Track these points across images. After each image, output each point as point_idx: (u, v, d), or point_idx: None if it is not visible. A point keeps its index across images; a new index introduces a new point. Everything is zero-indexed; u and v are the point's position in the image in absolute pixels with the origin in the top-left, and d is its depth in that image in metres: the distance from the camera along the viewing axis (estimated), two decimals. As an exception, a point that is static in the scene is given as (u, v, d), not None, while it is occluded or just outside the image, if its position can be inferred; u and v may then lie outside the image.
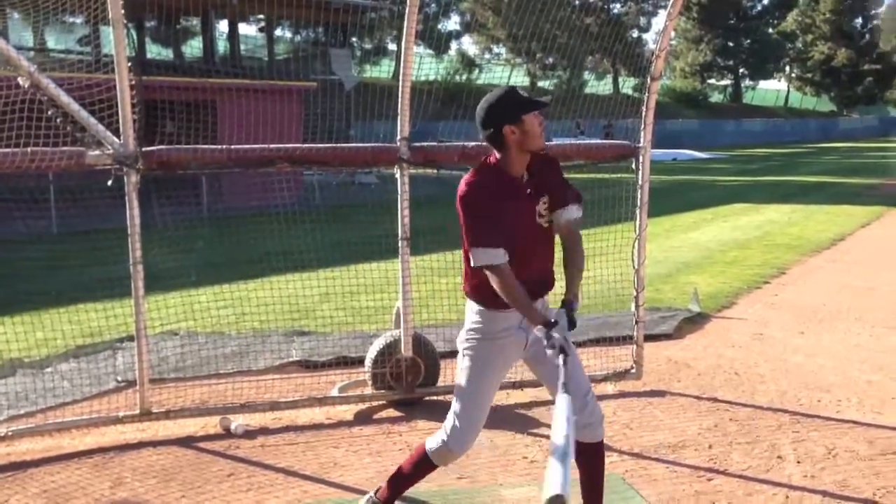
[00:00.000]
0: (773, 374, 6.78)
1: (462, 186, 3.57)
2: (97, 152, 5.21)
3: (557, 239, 3.78)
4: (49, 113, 5.07)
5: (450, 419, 3.79)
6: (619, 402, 6.13)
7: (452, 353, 6.76)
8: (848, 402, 6.09)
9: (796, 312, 9.00)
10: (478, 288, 3.68)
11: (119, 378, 6.44)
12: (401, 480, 4.03)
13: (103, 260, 7.55)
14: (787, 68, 79.72)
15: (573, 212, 3.70)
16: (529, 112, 3.53)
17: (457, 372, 3.84)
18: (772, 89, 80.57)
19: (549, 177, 3.68)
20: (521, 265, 3.56)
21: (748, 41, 72.17)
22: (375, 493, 4.08)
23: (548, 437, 5.39)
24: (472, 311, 3.77)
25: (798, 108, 78.92)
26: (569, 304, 3.61)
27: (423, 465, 3.93)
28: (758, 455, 5.10)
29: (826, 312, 9.00)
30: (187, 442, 5.39)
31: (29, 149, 5.07)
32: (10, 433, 5.24)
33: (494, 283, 3.54)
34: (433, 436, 3.88)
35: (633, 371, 6.43)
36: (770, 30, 75.23)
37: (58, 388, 6.17)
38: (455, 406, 3.78)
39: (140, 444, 5.33)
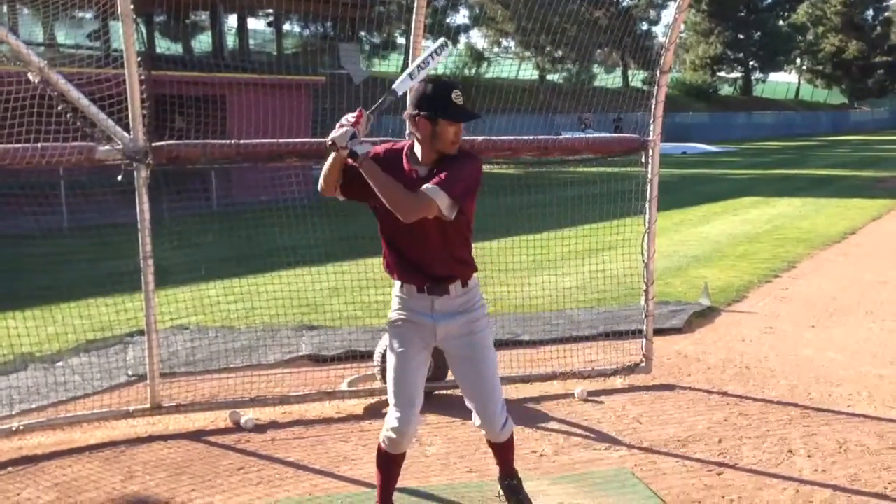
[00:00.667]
0: (783, 368, 6.76)
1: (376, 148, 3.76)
2: (107, 147, 5.22)
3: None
4: (59, 108, 5.09)
5: (389, 409, 3.85)
6: (629, 396, 6.12)
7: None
8: (859, 396, 6.07)
9: (807, 306, 8.97)
10: (389, 266, 3.85)
11: (130, 372, 6.47)
12: (379, 483, 4.02)
13: (113, 255, 7.58)
14: (798, 61, 79.40)
15: (423, 187, 3.58)
16: (447, 119, 3.57)
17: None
18: (782, 82, 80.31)
19: (442, 169, 3.63)
20: (399, 249, 3.75)
21: (758, 33, 71.85)
22: None
23: (556, 431, 5.41)
24: (393, 295, 3.91)
25: (809, 100, 78.61)
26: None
27: (380, 459, 3.95)
28: (768, 449, 5.09)
29: (837, 306, 8.96)
30: (197, 436, 5.41)
31: (39, 144, 5.09)
32: (21, 427, 5.27)
33: None
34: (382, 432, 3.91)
35: (643, 365, 6.42)
36: (781, 22, 74.89)
37: (69, 383, 6.19)
38: (389, 395, 3.86)
39: (151, 438, 5.35)
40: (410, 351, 3.81)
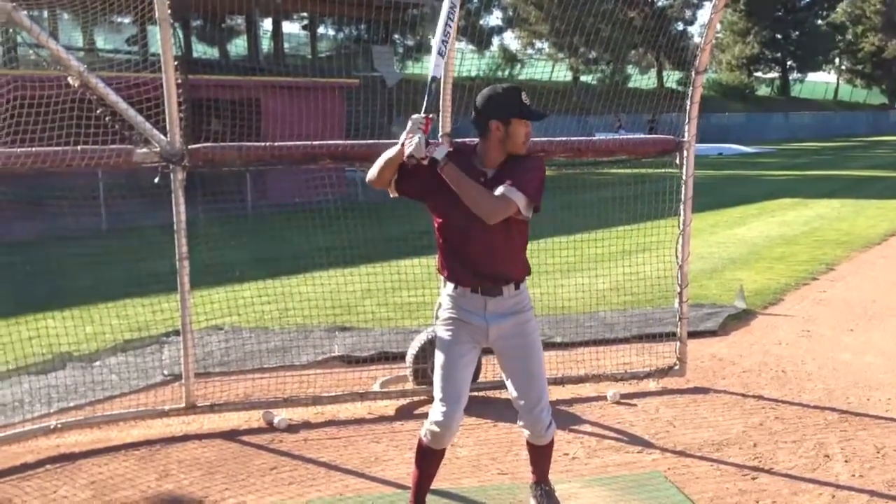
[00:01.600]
0: (820, 372, 6.67)
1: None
2: (145, 150, 5.29)
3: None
4: (98, 112, 5.16)
5: (433, 404, 3.86)
6: (662, 398, 6.08)
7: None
8: (898, 401, 5.96)
9: (845, 309, 8.83)
10: (443, 266, 3.86)
11: (165, 372, 6.56)
12: (415, 480, 4.02)
13: (150, 256, 7.69)
14: (837, 60, 78.17)
15: (499, 189, 3.63)
16: (520, 119, 3.66)
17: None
18: (821, 82, 79.16)
19: (511, 171, 3.68)
20: (457, 249, 3.77)
21: (796, 33, 70.93)
22: None
23: (589, 433, 5.39)
24: (444, 294, 3.91)
25: (848, 100, 77.40)
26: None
27: (420, 454, 3.96)
28: (804, 454, 5.02)
29: (876, 309, 8.82)
30: (231, 435, 5.46)
31: (79, 147, 5.17)
32: (59, 425, 5.36)
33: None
34: (424, 427, 3.92)
35: (677, 368, 6.36)
36: (819, 21, 73.83)
37: (106, 382, 6.29)
38: (434, 390, 3.87)
39: (185, 437, 5.41)
40: (461, 348, 3.83)
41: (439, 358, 3.85)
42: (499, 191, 3.60)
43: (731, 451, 5.09)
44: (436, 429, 3.81)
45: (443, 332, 3.86)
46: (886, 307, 8.90)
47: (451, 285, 3.85)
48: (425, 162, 3.58)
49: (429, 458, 3.95)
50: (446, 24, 3.92)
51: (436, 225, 3.82)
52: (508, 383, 3.97)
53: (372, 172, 3.77)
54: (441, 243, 3.84)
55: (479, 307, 3.79)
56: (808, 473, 4.75)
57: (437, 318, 3.97)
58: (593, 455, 5.06)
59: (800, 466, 4.84)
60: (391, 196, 3.86)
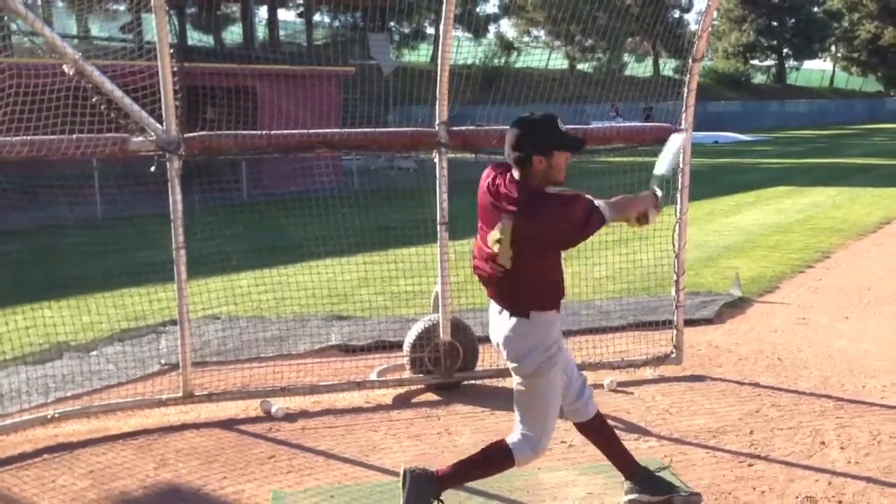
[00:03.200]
0: (816, 360, 6.69)
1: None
2: (140, 138, 5.28)
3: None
4: (93, 100, 5.14)
5: (543, 433, 3.83)
6: (659, 386, 6.09)
7: (490, 339, 6.81)
8: (893, 388, 5.98)
9: (841, 297, 8.85)
10: (544, 293, 3.74)
11: (162, 361, 6.56)
12: (472, 468, 4.01)
13: (146, 245, 7.67)
14: (833, 48, 78.11)
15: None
16: (562, 150, 3.61)
17: (528, 387, 3.79)
18: (817, 69, 79.13)
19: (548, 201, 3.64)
20: (559, 281, 3.79)
21: (792, 20, 70.86)
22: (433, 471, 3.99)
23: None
24: (537, 326, 3.72)
25: (844, 88, 77.39)
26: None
27: (501, 459, 3.92)
28: (800, 441, 5.04)
29: (872, 297, 8.84)
30: (229, 424, 5.47)
31: (74, 135, 5.16)
32: (57, 415, 5.36)
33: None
34: (516, 439, 3.86)
35: (674, 356, 6.38)
36: (815, 8, 73.74)
37: (103, 371, 6.30)
38: (544, 422, 3.82)
39: (183, 426, 5.42)
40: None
41: (552, 389, 3.80)
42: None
43: (727, 438, 5.11)
44: (538, 456, 3.89)
45: (556, 366, 3.77)
46: (881, 295, 8.93)
47: (550, 314, 3.74)
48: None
49: (505, 465, 3.94)
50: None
51: (546, 266, 3.72)
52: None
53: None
54: (553, 276, 3.75)
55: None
56: (805, 460, 4.77)
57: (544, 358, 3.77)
58: (590, 443, 5.06)
59: (796, 453, 4.86)
60: None
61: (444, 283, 5.91)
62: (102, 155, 5.35)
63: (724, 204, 17.08)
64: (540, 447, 3.85)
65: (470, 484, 4.48)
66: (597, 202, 3.61)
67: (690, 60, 6.04)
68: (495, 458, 3.92)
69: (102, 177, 13.02)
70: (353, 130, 6.09)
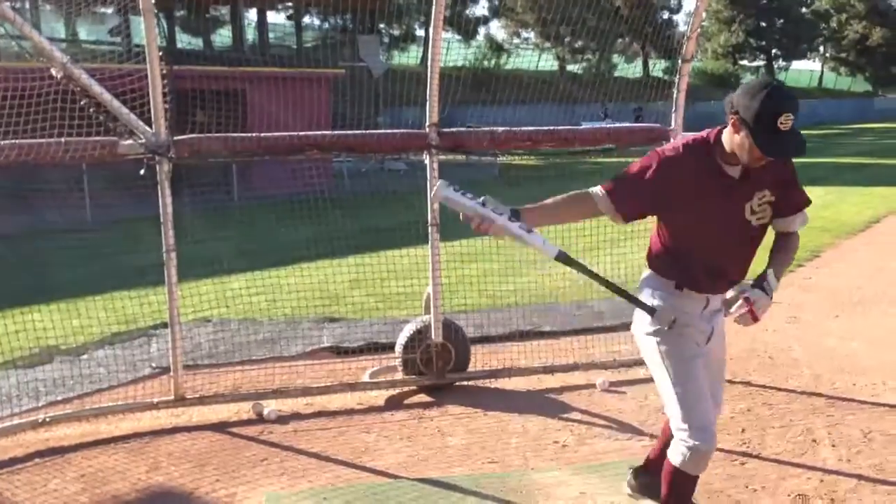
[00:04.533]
0: (807, 358, 6.71)
1: (667, 147, 3.39)
2: (130, 142, 5.26)
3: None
4: (82, 103, 5.12)
5: (681, 422, 3.40)
6: (651, 386, 6.02)
7: (482, 339, 6.83)
8: (884, 386, 6.01)
9: (831, 296, 8.89)
10: (658, 257, 3.48)
11: (154, 364, 6.54)
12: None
13: (137, 248, 7.64)
14: (822, 48, 78.43)
15: (796, 223, 3.53)
16: (755, 140, 3.09)
17: (654, 369, 3.54)
18: (805, 70, 79.35)
19: (774, 171, 3.29)
20: (707, 263, 3.36)
21: (781, 21, 71.08)
22: None
23: (578, 421, 5.41)
24: (654, 295, 3.51)
25: (832, 88, 77.68)
26: (762, 276, 3.42)
27: (682, 481, 3.50)
28: (792, 439, 5.06)
29: (861, 296, 8.88)
30: (221, 427, 5.45)
31: (63, 139, 5.13)
32: (48, 419, 5.34)
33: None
34: (673, 451, 3.46)
35: (665, 355, 6.38)
36: (803, 9, 74.03)
37: (94, 375, 6.27)
38: (678, 407, 3.41)
39: (175, 430, 5.40)
40: (695, 361, 3.46)
41: (679, 376, 3.41)
42: (797, 224, 3.63)
43: (719, 436, 5.09)
44: (701, 450, 3.39)
45: (672, 343, 3.43)
46: (871, 294, 8.97)
47: (671, 286, 3.44)
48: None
49: (689, 483, 3.52)
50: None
51: (668, 230, 3.41)
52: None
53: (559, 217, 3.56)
54: (671, 246, 3.42)
55: (699, 305, 3.46)
56: (796, 458, 4.79)
57: (649, 332, 3.52)
58: (583, 442, 5.09)
59: (788, 451, 4.88)
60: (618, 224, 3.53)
61: (435, 284, 5.91)
62: (92, 158, 5.33)
63: (714, 204, 17.09)
64: (695, 436, 3.41)
65: (463, 484, 4.49)
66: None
67: (680, 61, 6.06)
68: (675, 482, 3.53)
69: (92, 180, 12.98)
70: (344, 132, 6.09)
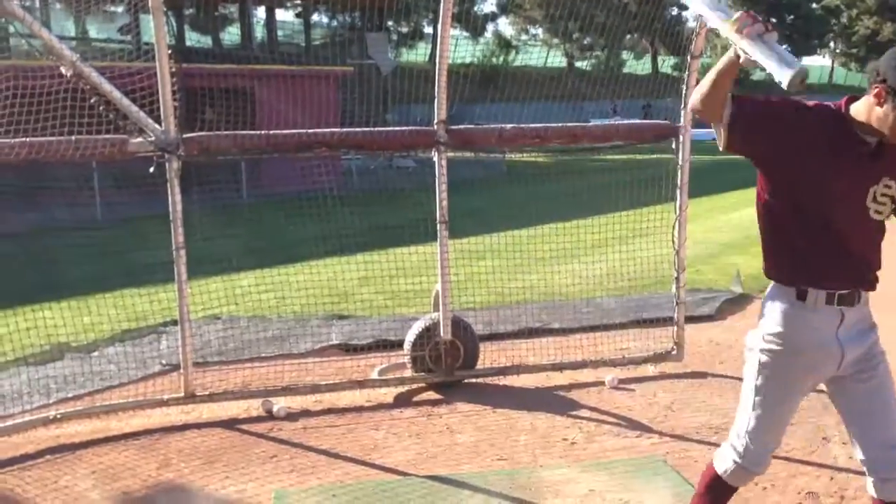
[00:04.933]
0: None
1: (799, 99, 2.96)
2: (139, 139, 5.27)
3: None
4: (92, 101, 5.14)
5: (741, 437, 3.10)
6: (660, 383, 6.09)
7: (491, 336, 6.83)
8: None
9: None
10: (773, 255, 2.95)
11: (164, 361, 6.56)
12: None
13: (146, 245, 7.67)
14: (832, 44, 78.10)
15: None
16: None
17: (746, 378, 3.14)
18: (816, 66, 79.03)
19: None
20: (826, 248, 2.85)
21: (791, 17, 70.81)
22: None
23: (587, 418, 5.41)
24: (772, 308, 2.97)
25: (843, 84, 77.33)
26: None
27: (719, 486, 3.22)
28: (802, 437, 5.04)
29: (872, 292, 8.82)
30: (231, 424, 5.47)
31: (73, 137, 5.15)
32: (59, 416, 5.36)
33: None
34: (721, 456, 3.19)
35: (674, 352, 6.38)
36: (814, 4, 73.72)
37: (105, 372, 6.30)
38: (746, 423, 3.09)
39: (185, 426, 5.42)
40: (799, 397, 3.11)
41: (770, 401, 3.03)
42: None
43: (727, 435, 5.10)
44: (750, 471, 3.14)
45: (781, 372, 3.01)
46: (882, 290, 8.89)
47: (792, 295, 2.90)
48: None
49: (726, 493, 3.23)
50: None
51: (778, 210, 2.88)
52: (858, 423, 3.07)
53: (700, 96, 2.93)
54: (783, 233, 2.90)
55: (832, 324, 2.91)
56: (807, 456, 4.78)
57: (763, 346, 3.04)
58: (592, 440, 5.08)
59: (798, 449, 4.86)
60: (721, 147, 2.92)
61: (444, 281, 5.91)
62: (101, 156, 5.35)
63: (724, 201, 17.09)
64: (748, 458, 3.13)
65: (472, 481, 4.49)
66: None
67: (689, 57, 6.04)
68: (711, 487, 3.26)
69: (102, 178, 13.04)
70: (352, 130, 6.09)
